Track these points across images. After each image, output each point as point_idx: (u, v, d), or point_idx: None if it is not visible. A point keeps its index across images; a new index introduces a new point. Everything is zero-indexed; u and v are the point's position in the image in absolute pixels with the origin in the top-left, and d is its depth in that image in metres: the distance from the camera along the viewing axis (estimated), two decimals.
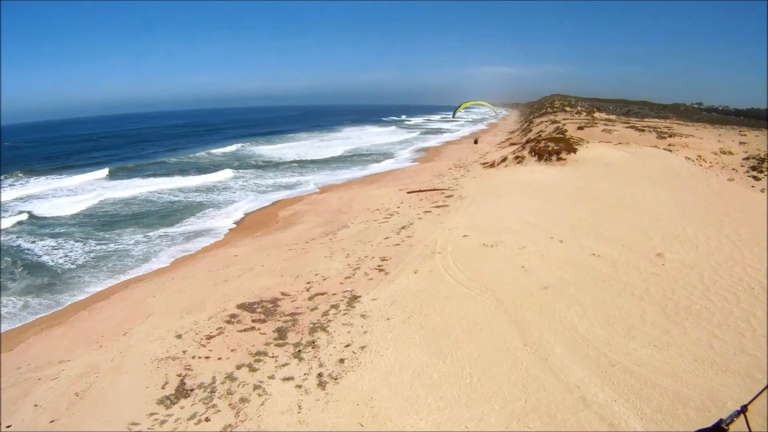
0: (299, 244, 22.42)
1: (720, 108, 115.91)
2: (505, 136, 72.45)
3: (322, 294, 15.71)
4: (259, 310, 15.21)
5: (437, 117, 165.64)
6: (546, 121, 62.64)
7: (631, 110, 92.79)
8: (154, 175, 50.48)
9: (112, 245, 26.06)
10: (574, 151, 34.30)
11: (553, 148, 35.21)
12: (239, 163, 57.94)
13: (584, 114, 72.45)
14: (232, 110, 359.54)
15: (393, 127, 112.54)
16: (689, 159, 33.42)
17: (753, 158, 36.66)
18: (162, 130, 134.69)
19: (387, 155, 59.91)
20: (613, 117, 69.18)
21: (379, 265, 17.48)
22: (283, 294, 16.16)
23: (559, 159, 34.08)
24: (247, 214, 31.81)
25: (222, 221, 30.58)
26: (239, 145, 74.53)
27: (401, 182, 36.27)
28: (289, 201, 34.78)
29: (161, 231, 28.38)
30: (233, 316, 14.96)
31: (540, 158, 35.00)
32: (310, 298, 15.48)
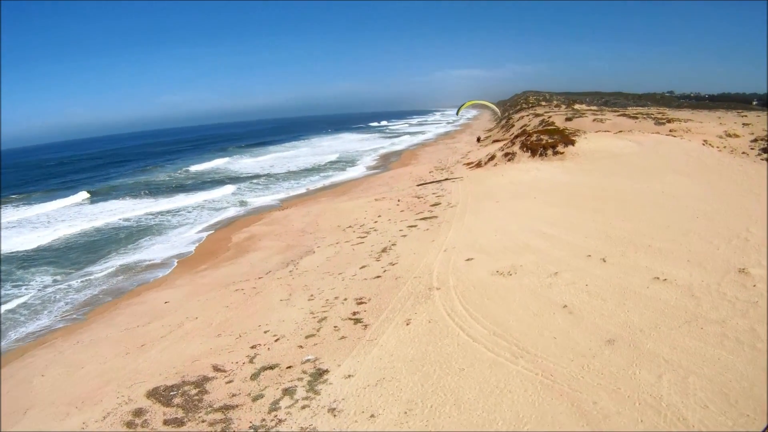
0: (250, 280, 17.28)
1: (692, 95, 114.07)
2: (484, 134, 68.09)
3: (271, 368, 10.53)
4: (177, 400, 10.02)
5: (413, 121, 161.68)
6: (528, 115, 58.32)
7: (608, 101, 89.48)
8: (106, 199, 44.87)
9: (24, 289, 20.91)
10: (572, 143, 29.81)
11: (547, 142, 30.66)
12: (197, 181, 52.46)
13: (564, 107, 68.56)
14: (203, 127, 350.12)
15: (366, 134, 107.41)
16: (706, 144, 29.26)
17: (762, 140, 33.31)
18: (131, 150, 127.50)
19: (358, 162, 54.96)
20: (594, 107, 65.38)
21: (354, 313, 12.33)
22: (215, 369, 10.96)
23: (556, 153, 29.54)
24: (195, 241, 26.47)
25: (164, 252, 25.31)
26: (207, 163, 67.74)
27: (376, 191, 31.27)
28: (246, 221, 29.55)
29: (89, 269, 23.07)
30: (138, 413, 9.77)
31: (534, 154, 30.41)
32: (254, 376, 10.31)
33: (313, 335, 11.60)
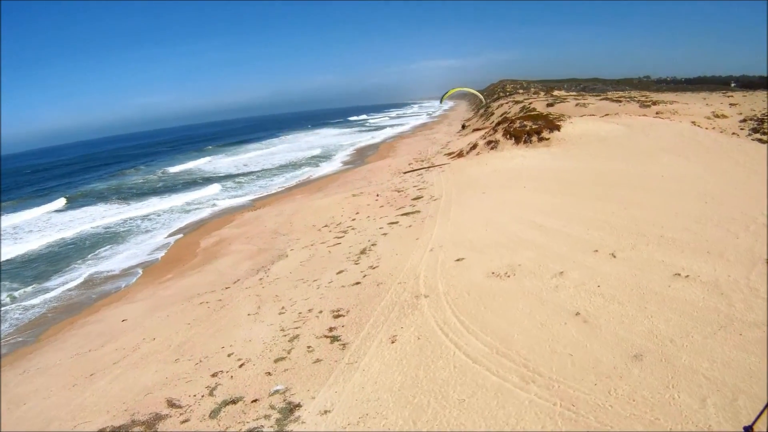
0: (216, 291, 15.50)
1: (669, 79, 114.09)
2: (463, 124, 66.64)
3: (234, 402, 8.80)
4: None
5: (392, 114, 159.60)
6: (507, 103, 56.97)
7: (587, 87, 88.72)
8: (77, 206, 42.40)
9: None
10: (557, 128, 28.38)
11: (531, 128, 29.17)
12: (170, 183, 50.30)
13: (543, 93, 67.33)
14: (181, 128, 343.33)
15: (344, 129, 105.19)
16: (695, 125, 28.12)
17: (750, 120, 32.59)
18: (108, 154, 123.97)
19: (335, 157, 53.12)
20: (574, 93, 64.31)
21: (330, 329, 10.59)
22: (170, 404, 9.21)
23: (541, 139, 28.09)
24: (162, 247, 24.64)
25: (129, 260, 23.57)
26: (182, 165, 64.55)
27: (354, 186, 29.55)
28: (217, 223, 27.68)
29: (48, 284, 21.40)
30: None
31: (518, 141, 28.92)
32: (213, 414, 8.57)
33: (283, 358, 9.86)
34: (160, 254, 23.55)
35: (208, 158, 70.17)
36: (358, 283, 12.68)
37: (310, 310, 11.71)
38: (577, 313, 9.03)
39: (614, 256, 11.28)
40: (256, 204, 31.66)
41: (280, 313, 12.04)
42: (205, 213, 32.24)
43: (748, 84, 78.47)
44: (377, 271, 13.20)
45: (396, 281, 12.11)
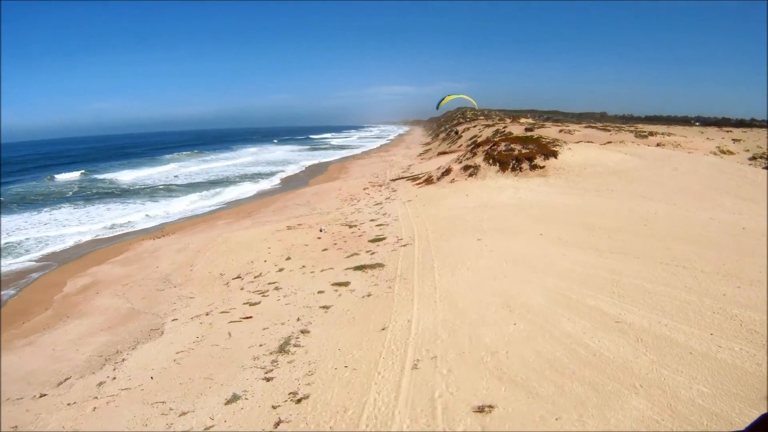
0: (25, 400, 8.64)
1: (625, 115, 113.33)
2: (422, 148, 60.87)
3: None
4: None
5: (355, 135, 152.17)
6: (476, 126, 51.75)
7: (550, 117, 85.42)
8: None
9: None
10: (554, 154, 22.70)
11: (521, 152, 23.33)
12: (81, 194, 41.72)
13: (509, 120, 62.67)
14: (131, 135, 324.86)
15: (297, 146, 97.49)
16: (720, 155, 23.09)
17: (760, 158, 28.82)
18: (42, 156, 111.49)
19: (276, 175, 46.08)
20: (542, 121, 60.00)
21: None
22: None
23: (534, 167, 22.33)
24: (18, 285, 17.38)
25: None
26: (112, 173, 55.42)
27: (292, 213, 22.77)
28: (103, 253, 20.37)
29: None
30: None
31: (504, 167, 23.00)
32: None
33: None
34: (7, 297, 16.18)
35: (141, 169, 60.76)
36: None
37: None
38: None
39: None
40: (166, 228, 24.37)
41: None
42: (107, 234, 24.86)
43: (710, 124, 76.65)
44: (305, 409, 6.35)
45: None
